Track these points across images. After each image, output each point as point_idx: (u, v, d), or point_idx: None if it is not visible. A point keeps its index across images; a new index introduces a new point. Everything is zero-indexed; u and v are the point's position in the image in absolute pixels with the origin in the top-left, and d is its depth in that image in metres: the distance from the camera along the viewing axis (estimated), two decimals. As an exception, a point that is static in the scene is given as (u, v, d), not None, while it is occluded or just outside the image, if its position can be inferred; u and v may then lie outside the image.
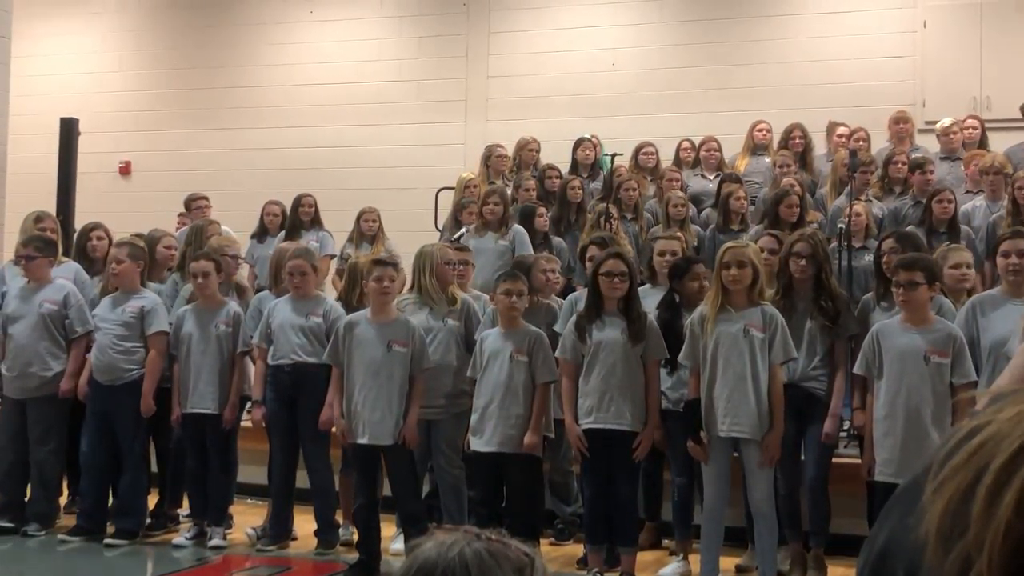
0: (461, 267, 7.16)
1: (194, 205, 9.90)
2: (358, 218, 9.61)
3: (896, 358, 5.62)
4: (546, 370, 6.17)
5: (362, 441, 6.29)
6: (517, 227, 8.71)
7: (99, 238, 7.90)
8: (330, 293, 9.00)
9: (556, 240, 8.93)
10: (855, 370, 5.88)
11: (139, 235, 7.80)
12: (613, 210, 8.70)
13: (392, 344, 6.31)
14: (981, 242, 7.94)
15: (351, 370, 6.35)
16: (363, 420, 6.28)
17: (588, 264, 6.83)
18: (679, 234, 7.88)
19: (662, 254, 6.81)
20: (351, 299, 7.05)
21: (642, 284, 6.83)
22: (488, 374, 6.16)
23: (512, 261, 7.67)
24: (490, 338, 6.27)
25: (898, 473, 5.47)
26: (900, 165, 9.07)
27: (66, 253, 7.89)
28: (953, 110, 10.07)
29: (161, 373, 7.12)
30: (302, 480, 6.95)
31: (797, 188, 8.53)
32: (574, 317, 6.21)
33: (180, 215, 10.26)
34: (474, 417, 6.19)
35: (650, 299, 6.52)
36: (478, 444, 6.14)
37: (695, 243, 8.53)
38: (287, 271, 6.92)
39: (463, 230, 8.91)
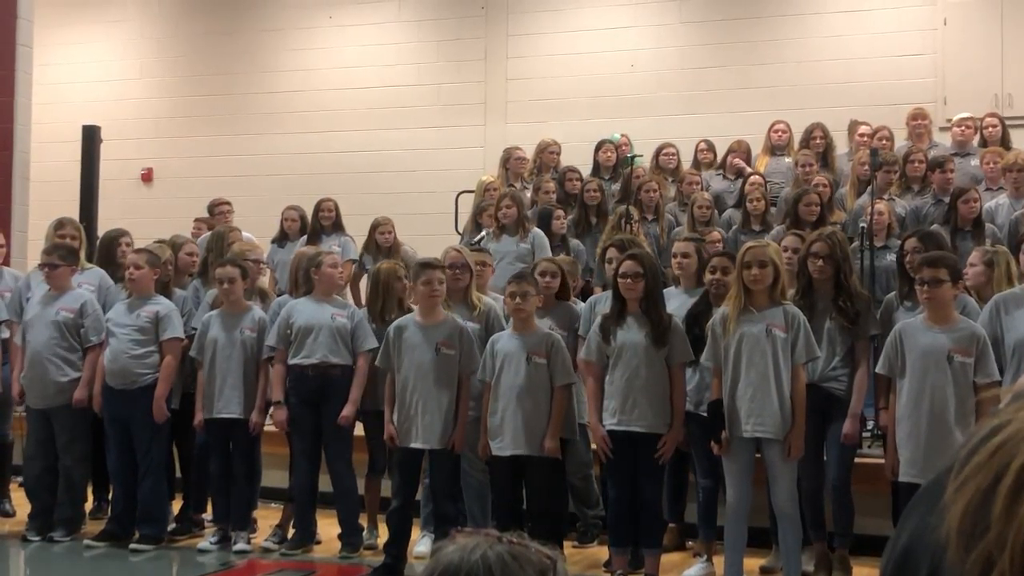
0: (479, 268, 7.12)
1: (217, 210, 9.94)
2: (372, 230, 9.48)
3: (919, 357, 5.59)
4: (564, 372, 6.16)
5: (414, 445, 6.30)
6: (536, 230, 8.70)
7: (127, 244, 7.93)
8: (349, 299, 9.05)
9: (574, 242, 8.92)
10: (877, 369, 5.85)
11: (162, 241, 7.84)
12: (634, 212, 8.69)
13: (440, 347, 6.31)
14: (1004, 240, 7.89)
15: (401, 374, 6.36)
16: (416, 424, 6.28)
17: (607, 266, 6.82)
18: (704, 236, 7.88)
19: (675, 256, 6.82)
20: (375, 308, 7.04)
21: (667, 286, 6.82)
22: (504, 377, 6.14)
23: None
24: (502, 341, 6.24)
25: (922, 473, 5.45)
26: (917, 164, 9.05)
27: (90, 259, 7.93)
28: (975, 107, 10.02)
29: (178, 378, 7.16)
30: (324, 483, 6.96)
31: (822, 188, 8.51)
32: (599, 318, 6.20)
33: (196, 220, 10.29)
34: (492, 421, 6.17)
35: (674, 300, 6.51)
36: (498, 448, 6.14)
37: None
38: (329, 263, 6.93)
39: (483, 233, 8.91)
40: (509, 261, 8.28)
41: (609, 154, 10.34)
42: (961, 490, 0.85)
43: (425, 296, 6.35)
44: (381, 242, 9.43)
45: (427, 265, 6.45)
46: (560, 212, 9.03)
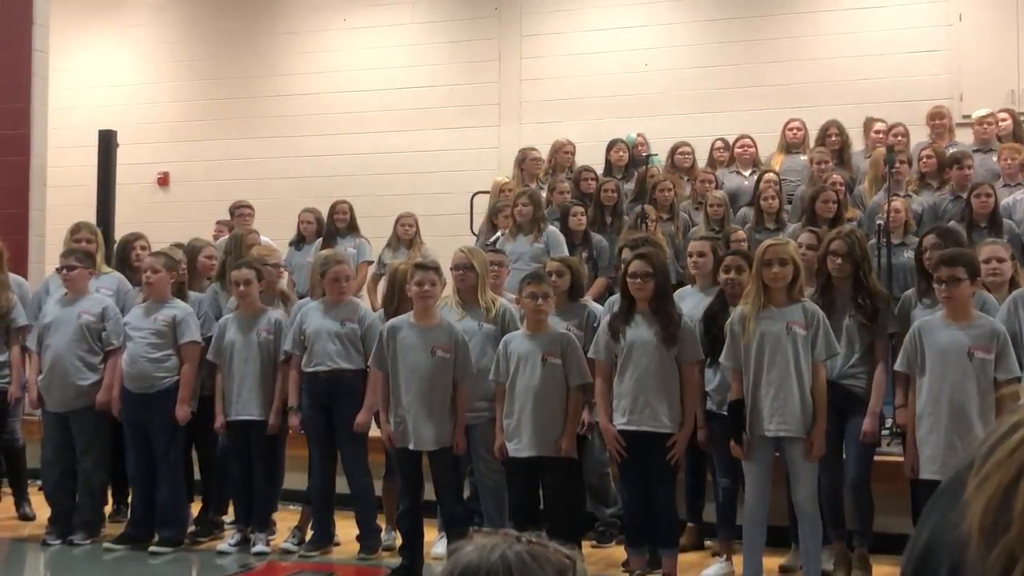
0: (495, 269, 7.12)
1: (237, 212, 9.99)
2: (396, 222, 9.69)
3: (939, 355, 5.56)
4: (579, 372, 6.14)
5: (411, 447, 6.30)
6: (551, 228, 8.68)
7: (142, 248, 7.97)
8: (365, 300, 9.08)
9: (596, 238, 8.87)
10: (896, 367, 5.82)
11: (179, 245, 7.86)
12: (650, 211, 8.68)
13: (436, 350, 6.29)
14: (1022, 235, 7.86)
15: (396, 376, 6.33)
16: (409, 426, 6.28)
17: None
18: (730, 234, 7.87)
19: (690, 255, 6.81)
20: (391, 308, 7.05)
21: (683, 285, 6.81)
22: (520, 379, 6.13)
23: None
24: (515, 341, 6.22)
25: (942, 470, 5.42)
26: (926, 159, 9.02)
27: (107, 263, 7.96)
28: (991, 103, 9.99)
29: (197, 382, 7.18)
30: (344, 485, 6.97)
31: (840, 186, 8.48)
32: (607, 317, 6.20)
33: (218, 223, 10.32)
34: (507, 422, 6.17)
35: (690, 299, 6.49)
36: (514, 450, 6.13)
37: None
38: (331, 277, 6.94)
39: (498, 234, 8.91)
40: (525, 261, 8.27)
41: (621, 153, 10.33)
42: (982, 487, 0.85)
43: (416, 297, 6.33)
44: (401, 234, 9.58)
45: (419, 266, 6.44)
46: (577, 209, 8.99)
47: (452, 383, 6.32)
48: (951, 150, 9.29)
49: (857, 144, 10.07)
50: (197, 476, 7.61)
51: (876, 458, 6.29)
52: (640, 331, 5.99)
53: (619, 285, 6.24)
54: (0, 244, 7.76)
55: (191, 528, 7.32)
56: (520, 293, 6.35)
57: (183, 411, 7.04)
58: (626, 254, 6.75)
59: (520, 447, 6.10)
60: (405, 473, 6.43)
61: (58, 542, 7.14)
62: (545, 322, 6.22)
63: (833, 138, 9.79)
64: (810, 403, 5.75)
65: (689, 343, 6.02)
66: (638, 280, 5.97)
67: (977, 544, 0.84)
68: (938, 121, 9.78)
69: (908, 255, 7.49)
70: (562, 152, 10.50)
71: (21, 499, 8.02)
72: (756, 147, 10.11)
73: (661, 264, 6.14)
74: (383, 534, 7.01)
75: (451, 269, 6.67)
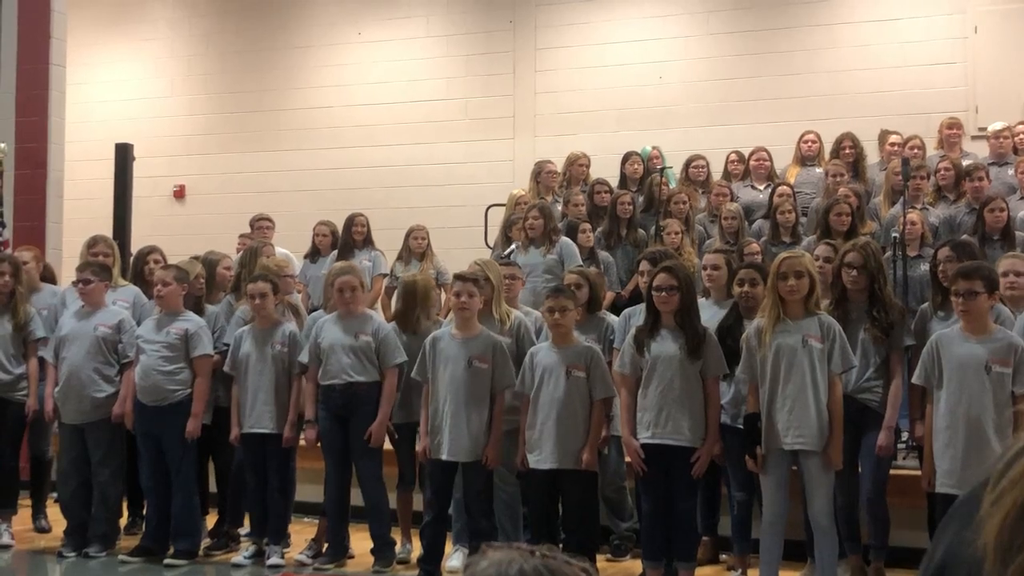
0: (509, 281, 7.13)
1: (257, 225, 10.02)
2: (407, 235, 9.71)
3: (956, 368, 5.54)
4: (603, 386, 6.14)
5: (443, 457, 6.32)
6: (565, 239, 8.70)
7: (156, 261, 7.99)
8: (380, 312, 9.09)
9: (603, 255, 8.91)
10: (914, 380, 5.79)
11: (196, 257, 7.90)
12: (672, 224, 8.69)
13: (473, 360, 6.32)
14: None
15: (435, 386, 6.38)
16: (444, 436, 6.30)
17: (642, 278, 6.82)
18: (744, 247, 7.88)
19: (704, 268, 6.81)
20: (406, 318, 7.06)
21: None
22: (544, 391, 6.13)
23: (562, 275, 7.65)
24: (541, 354, 6.24)
25: (959, 484, 5.40)
26: (944, 171, 9.00)
27: (124, 276, 8.00)
28: (1006, 115, 9.97)
29: (210, 394, 7.20)
30: (358, 498, 6.97)
31: (852, 198, 8.47)
32: (633, 330, 6.18)
33: (240, 236, 10.36)
34: (529, 434, 6.17)
35: (704, 312, 6.48)
36: (535, 461, 6.13)
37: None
38: (336, 288, 6.96)
39: (512, 246, 8.92)
40: (537, 273, 8.28)
41: (636, 166, 10.34)
42: (997, 504, 0.85)
43: (454, 308, 6.37)
44: (414, 247, 9.59)
45: (458, 277, 6.49)
46: (586, 225, 9.01)
47: (490, 395, 6.34)
48: (964, 161, 9.28)
49: (872, 156, 10.05)
50: (214, 488, 7.62)
51: (892, 472, 6.27)
52: (665, 345, 5.96)
53: (646, 298, 6.22)
54: (19, 257, 7.81)
55: (207, 540, 7.33)
56: (544, 307, 6.39)
57: (193, 425, 7.05)
58: (644, 266, 6.75)
59: (541, 459, 6.09)
60: (435, 485, 6.43)
61: (73, 554, 7.16)
62: (570, 335, 6.23)
63: (848, 150, 9.77)
64: (826, 416, 5.74)
65: (714, 357, 5.99)
66: (663, 293, 5.95)
67: (992, 561, 0.84)
68: (952, 131, 9.76)
69: (924, 268, 7.47)
70: (577, 165, 10.51)
71: (38, 511, 8.04)
72: (771, 160, 10.10)
73: (686, 277, 6.09)
74: (397, 547, 7.01)
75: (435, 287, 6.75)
